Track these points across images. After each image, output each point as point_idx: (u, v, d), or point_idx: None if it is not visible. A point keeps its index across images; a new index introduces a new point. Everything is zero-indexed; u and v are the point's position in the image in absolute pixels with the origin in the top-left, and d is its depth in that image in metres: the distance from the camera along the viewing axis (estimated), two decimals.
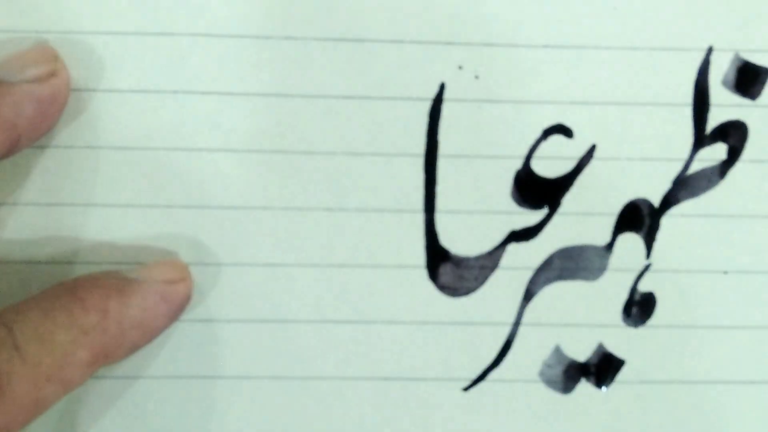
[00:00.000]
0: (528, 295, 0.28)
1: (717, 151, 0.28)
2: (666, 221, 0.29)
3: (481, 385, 0.28)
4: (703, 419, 0.29)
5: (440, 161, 0.28)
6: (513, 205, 0.28)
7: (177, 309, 0.26)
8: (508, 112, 0.28)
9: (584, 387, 0.29)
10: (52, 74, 0.26)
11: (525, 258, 0.28)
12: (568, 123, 0.28)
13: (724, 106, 0.28)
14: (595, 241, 0.28)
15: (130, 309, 0.25)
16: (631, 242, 0.28)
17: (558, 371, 0.29)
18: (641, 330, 0.29)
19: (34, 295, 0.24)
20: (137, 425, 0.27)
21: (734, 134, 0.29)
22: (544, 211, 0.28)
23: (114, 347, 0.24)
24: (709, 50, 0.28)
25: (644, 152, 0.28)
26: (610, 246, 0.28)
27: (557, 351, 0.28)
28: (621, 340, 0.29)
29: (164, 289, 0.26)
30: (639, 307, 0.29)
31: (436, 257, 0.28)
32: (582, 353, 0.29)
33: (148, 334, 0.26)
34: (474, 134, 0.28)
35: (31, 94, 0.25)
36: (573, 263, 0.28)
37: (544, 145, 0.28)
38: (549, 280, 0.28)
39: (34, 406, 0.23)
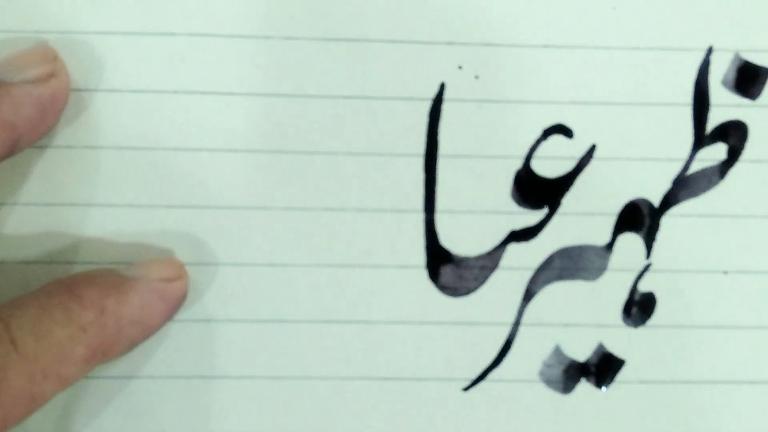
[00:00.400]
0: (528, 295, 0.28)
1: (717, 151, 0.28)
2: (666, 221, 0.28)
3: (481, 385, 0.28)
4: (703, 419, 0.29)
5: (440, 161, 0.28)
6: (513, 205, 0.28)
7: (174, 307, 0.26)
8: (508, 112, 0.28)
9: (584, 387, 0.29)
10: (52, 75, 0.26)
11: (525, 258, 0.28)
12: (568, 123, 0.28)
13: (724, 106, 0.28)
14: (595, 241, 0.28)
15: (127, 306, 0.25)
16: (631, 242, 0.28)
17: (558, 371, 0.28)
18: (641, 330, 0.29)
19: (31, 291, 0.24)
20: (136, 425, 0.27)
21: (734, 134, 0.28)
22: (544, 211, 0.28)
23: (111, 344, 0.24)
24: (709, 50, 0.28)
25: (644, 152, 0.28)
26: (610, 246, 0.28)
27: (557, 351, 0.28)
28: (621, 340, 0.29)
29: (161, 286, 0.26)
30: (639, 307, 0.29)
31: (437, 257, 0.28)
32: (582, 353, 0.29)
33: (146, 331, 0.26)
34: (474, 134, 0.28)
35: (31, 94, 0.25)
36: (573, 263, 0.28)
37: (544, 145, 0.28)
38: (549, 280, 0.28)
39: (30, 401, 0.23)
